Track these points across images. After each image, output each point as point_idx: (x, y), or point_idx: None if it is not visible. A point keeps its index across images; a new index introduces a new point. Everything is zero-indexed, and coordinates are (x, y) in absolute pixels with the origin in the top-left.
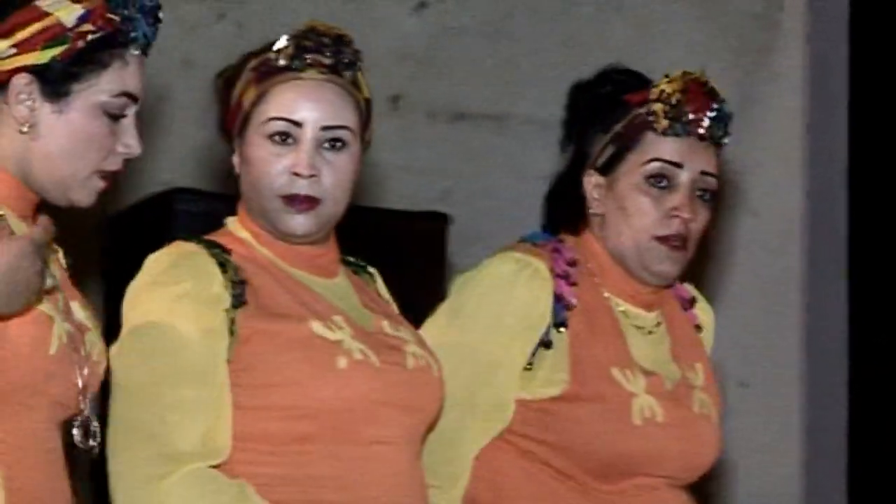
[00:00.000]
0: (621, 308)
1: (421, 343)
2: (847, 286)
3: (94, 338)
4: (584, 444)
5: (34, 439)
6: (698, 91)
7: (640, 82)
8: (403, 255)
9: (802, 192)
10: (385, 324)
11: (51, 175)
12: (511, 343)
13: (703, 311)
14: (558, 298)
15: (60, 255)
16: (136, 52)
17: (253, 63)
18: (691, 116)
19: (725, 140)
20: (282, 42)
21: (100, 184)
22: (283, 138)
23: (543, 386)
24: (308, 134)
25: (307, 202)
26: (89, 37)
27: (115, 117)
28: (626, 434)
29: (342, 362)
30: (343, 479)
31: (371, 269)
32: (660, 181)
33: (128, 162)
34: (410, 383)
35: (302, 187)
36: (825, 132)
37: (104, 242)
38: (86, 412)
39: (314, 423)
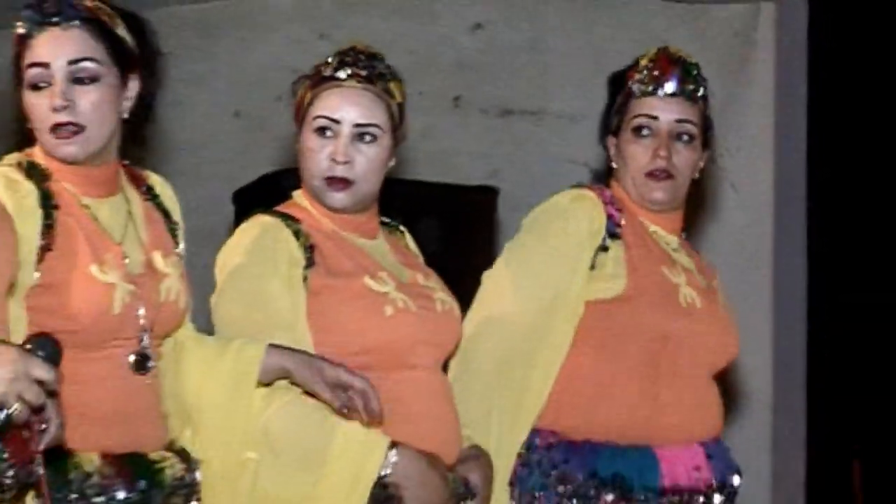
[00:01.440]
0: (652, 228)
1: (444, 290)
2: (806, 244)
3: (171, 283)
4: (644, 328)
5: (111, 372)
6: (665, 58)
7: (628, 67)
8: (462, 220)
9: (772, 170)
10: (419, 276)
11: None
12: (580, 248)
13: (707, 261)
14: (609, 216)
15: (162, 198)
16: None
17: (311, 73)
18: (659, 76)
19: (699, 93)
20: (330, 58)
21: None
22: (326, 132)
23: (606, 283)
24: (345, 129)
25: (343, 183)
26: None
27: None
28: (676, 314)
29: (389, 310)
30: (391, 394)
31: (402, 228)
32: (642, 131)
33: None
34: (438, 324)
35: (339, 171)
36: (790, 124)
37: (233, 212)
38: (144, 345)
39: (368, 356)
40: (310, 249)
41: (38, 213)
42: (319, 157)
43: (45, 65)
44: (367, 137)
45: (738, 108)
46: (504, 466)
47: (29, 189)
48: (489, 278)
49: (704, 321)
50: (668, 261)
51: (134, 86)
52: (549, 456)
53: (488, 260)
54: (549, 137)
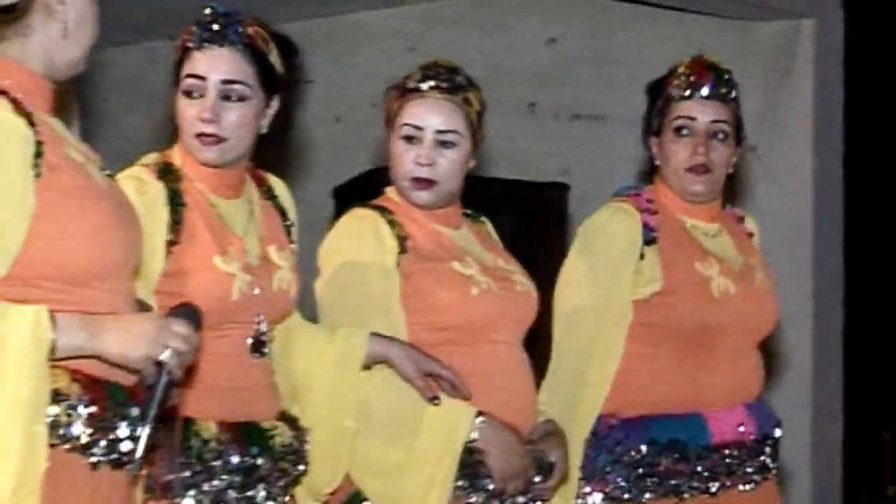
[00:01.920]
0: (690, 223)
1: (523, 273)
2: (843, 236)
3: (283, 274)
4: (681, 320)
5: (229, 351)
6: (700, 65)
7: (666, 75)
8: (536, 214)
9: (811, 167)
10: (499, 261)
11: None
12: (623, 259)
13: (752, 221)
14: (644, 225)
15: (281, 199)
16: None
17: (398, 85)
18: (695, 82)
19: (730, 95)
20: (414, 72)
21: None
22: (411, 139)
23: (647, 285)
24: (428, 135)
25: (426, 183)
26: None
27: None
28: (710, 306)
29: (474, 291)
30: (474, 367)
31: (483, 218)
32: (682, 131)
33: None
34: (517, 302)
35: (422, 172)
36: (827, 127)
37: (333, 206)
38: (260, 329)
39: (455, 332)
40: (402, 238)
41: (165, 211)
42: (406, 160)
43: (201, 77)
44: (448, 142)
45: (780, 112)
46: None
47: (158, 189)
48: (559, 285)
49: (739, 304)
50: (701, 255)
51: (275, 104)
52: (612, 436)
53: (560, 249)
54: (612, 139)
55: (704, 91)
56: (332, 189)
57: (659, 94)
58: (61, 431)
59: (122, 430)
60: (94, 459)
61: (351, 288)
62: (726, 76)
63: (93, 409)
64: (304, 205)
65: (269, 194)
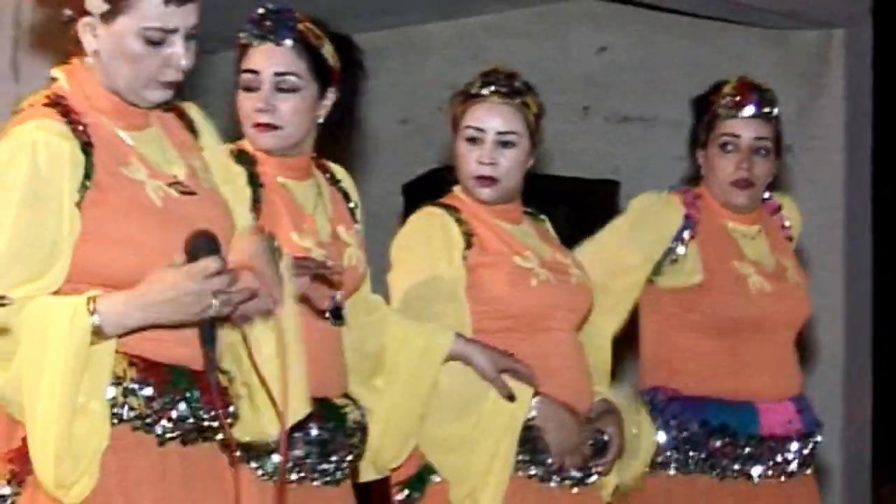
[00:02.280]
0: (731, 225)
1: (579, 266)
2: (872, 227)
3: (352, 251)
4: (720, 311)
5: (309, 321)
6: (744, 86)
7: (711, 91)
8: (588, 208)
9: (843, 165)
10: (557, 255)
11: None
12: (654, 238)
13: (788, 210)
14: (687, 217)
15: (344, 183)
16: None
17: (462, 91)
18: (740, 101)
19: (772, 114)
20: (476, 78)
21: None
22: (474, 140)
23: (688, 276)
24: (489, 136)
25: (489, 180)
26: None
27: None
28: (748, 300)
29: (534, 282)
30: (533, 352)
31: (542, 216)
32: (727, 147)
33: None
34: (573, 293)
35: (485, 171)
36: (858, 128)
37: (402, 202)
38: (337, 300)
39: (515, 320)
40: (468, 235)
41: (248, 191)
42: (469, 159)
43: (256, 72)
44: (508, 143)
45: (814, 115)
46: None
47: (239, 171)
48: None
49: (774, 301)
50: (739, 255)
51: (331, 96)
52: (669, 409)
53: None
54: (659, 140)
55: (749, 111)
56: (402, 186)
57: (705, 109)
58: (118, 411)
59: (184, 410)
60: (159, 436)
61: (419, 279)
62: (769, 96)
63: (149, 391)
64: (375, 200)
65: (332, 180)
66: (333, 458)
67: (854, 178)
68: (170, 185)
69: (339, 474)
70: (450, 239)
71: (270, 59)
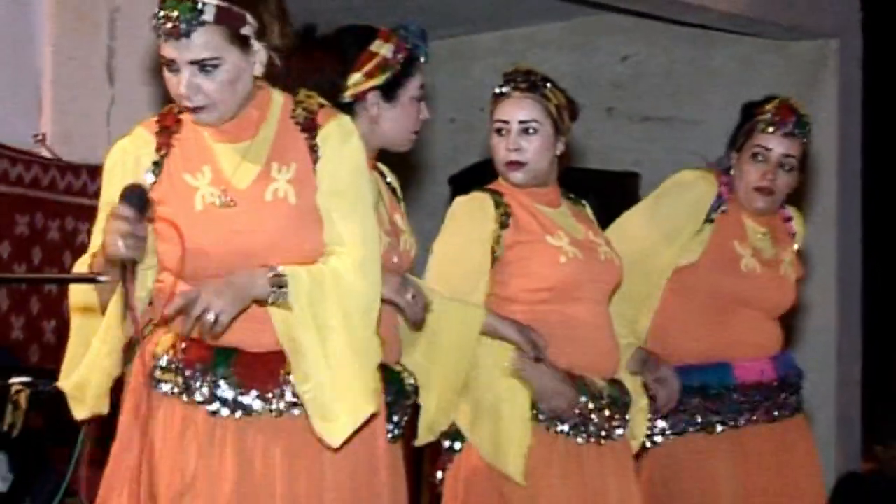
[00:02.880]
0: (746, 221)
1: (609, 244)
2: (861, 207)
3: (407, 237)
4: (711, 286)
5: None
6: (785, 108)
7: (760, 103)
8: (613, 198)
9: (836, 157)
10: (590, 234)
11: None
12: (687, 215)
13: (797, 222)
14: (719, 196)
15: (390, 179)
16: (423, 60)
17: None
18: (779, 121)
19: (804, 137)
20: (501, 80)
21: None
22: (501, 131)
23: (692, 254)
24: (513, 127)
25: (516, 164)
26: (400, 58)
27: (419, 99)
28: (737, 278)
29: (563, 259)
30: (564, 321)
31: (583, 202)
32: (758, 157)
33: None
34: (600, 268)
35: (511, 156)
36: (849, 125)
37: (449, 191)
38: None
39: (547, 293)
40: (506, 215)
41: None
42: (499, 149)
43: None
44: (529, 129)
45: (811, 113)
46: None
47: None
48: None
49: (762, 283)
50: (743, 238)
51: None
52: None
53: None
54: (676, 136)
55: (784, 130)
56: (448, 177)
57: (749, 118)
58: (157, 384)
59: (225, 390)
60: (208, 407)
61: (450, 258)
62: (805, 121)
63: (189, 371)
64: (425, 189)
65: (383, 177)
66: (395, 419)
67: (846, 163)
68: (222, 192)
69: (396, 432)
70: (486, 219)
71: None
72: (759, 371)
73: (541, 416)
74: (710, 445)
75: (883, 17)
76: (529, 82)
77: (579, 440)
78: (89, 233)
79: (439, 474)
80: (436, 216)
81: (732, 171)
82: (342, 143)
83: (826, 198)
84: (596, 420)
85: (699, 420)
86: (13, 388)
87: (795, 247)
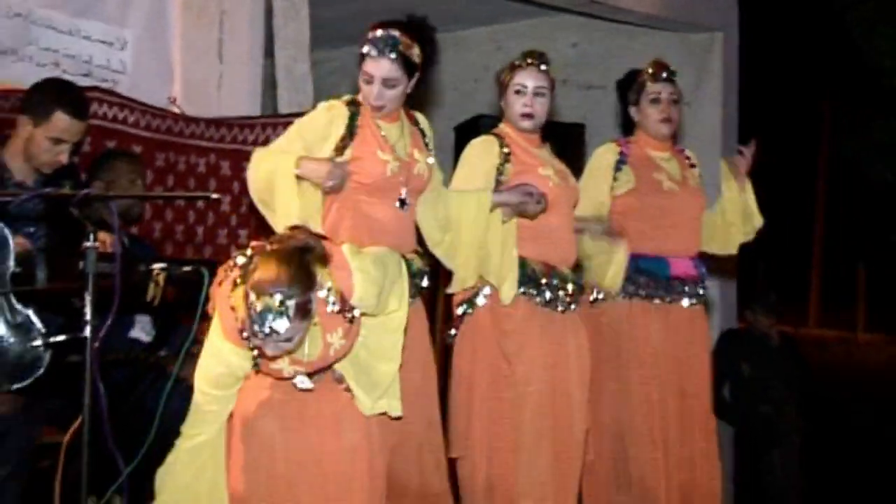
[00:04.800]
0: (652, 153)
1: (571, 174)
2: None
3: (420, 166)
4: (646, 203)
5: (386, 207)
6: (658, 64)
7: (637, 70)
8: (567, 143)
9: (720, 116)
10: (562, 166)
11: None
12: (607, 169)
13: (690, 153)
14: (621, 153)
15: (423, 126)
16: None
17: (511, 64)
18: (657, 73)
19: (674, 78)
20: (519, 56)
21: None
22: (519, 92)
23: (625, 185)
24: (529, 90)
25: (529, 116)
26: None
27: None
28: (662, 195)
29: (550, 184)
30: (545, 227)
31: (547, 143)
32: (655, 101)
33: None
34: (571, 190)
35: (527, 110)
36: (730, 93)
37: (454, 139)
38: (403, 196)
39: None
40: (507, 153)
41: (343, 124)
42: (518, 105)
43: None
44: (539, 93)
45: (703, 84)
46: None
47: (342, 112)
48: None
49: (681, 196)
50: (658, 169)
51: (413, 81)
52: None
53: (579, 165)
54: (610, 100)
55: (664, 76)
56: (454, 126)
57: (633, 82)
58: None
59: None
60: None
61: (466, 175)
62: (672, 68)
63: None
64: (437, 136)
65: (415, 123)
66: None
67: (727, 128)
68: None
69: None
70: (492, 154)
71: (379, 69)
72: (686, 268)
73: (529, 290)
74: (647, 312)
75: (756, 15)
76: (541, 60)
77: (549, 309)
78: (206, 165)
79: (453, 331)
80: (444, 155)
81: (636, 121)
82: None
83: (713, 142)
84: (562, 296)
85: (642, 294)
86: (154, 271)
87: (697, 171)
